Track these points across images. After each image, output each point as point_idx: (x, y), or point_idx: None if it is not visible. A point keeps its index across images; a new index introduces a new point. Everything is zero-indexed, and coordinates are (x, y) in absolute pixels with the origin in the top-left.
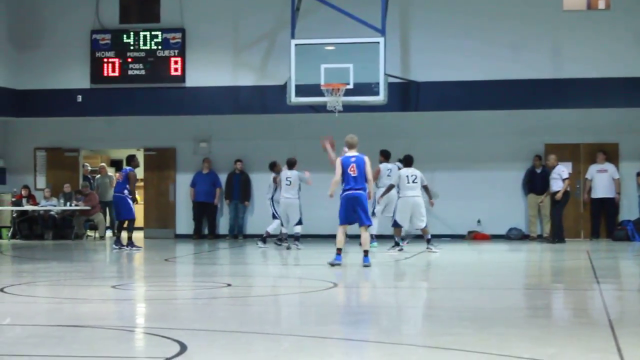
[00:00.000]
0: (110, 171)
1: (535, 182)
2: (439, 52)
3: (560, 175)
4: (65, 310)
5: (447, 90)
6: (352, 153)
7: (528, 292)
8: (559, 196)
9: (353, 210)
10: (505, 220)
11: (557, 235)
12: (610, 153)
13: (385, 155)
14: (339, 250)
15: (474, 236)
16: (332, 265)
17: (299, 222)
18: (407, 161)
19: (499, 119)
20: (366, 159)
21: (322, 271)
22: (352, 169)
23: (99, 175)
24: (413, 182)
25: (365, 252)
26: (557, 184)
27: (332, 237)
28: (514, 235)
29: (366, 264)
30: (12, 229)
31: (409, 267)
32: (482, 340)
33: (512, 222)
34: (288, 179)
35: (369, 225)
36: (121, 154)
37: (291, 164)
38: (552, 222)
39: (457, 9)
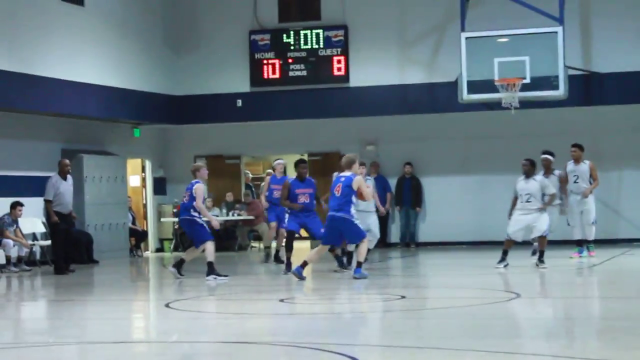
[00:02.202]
0: None
1: None
2: (623, 39)
3: None
4: (232, 326)
5: (633, 80)
6: (346, 174)
7: None
8: None
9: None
10: None
11: None
12: None
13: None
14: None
15: None
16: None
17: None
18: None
19: None
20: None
21: (502, 280)
22: (337, 189)
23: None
24: None
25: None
26: None
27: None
28: None
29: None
30: (174, 241)
31: (595, 275)
32: None
33: None
34: None
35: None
36: (284, 160)
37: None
38: None
39: None
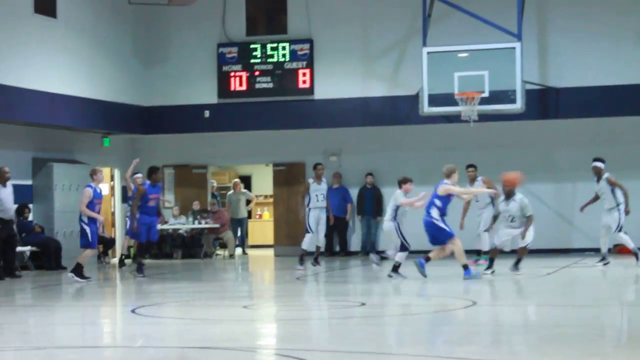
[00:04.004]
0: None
1: None
2: (579, 55)
3: None
4: (196, 332)
5: (588, 95)
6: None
7: None
8: None
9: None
10: None
11: None
12: None
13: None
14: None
15: (620, 250)
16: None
17: (401, 249)
18: None
19: None
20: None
21: (459, 288)
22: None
23: (231, 192)
24: None
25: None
26: None
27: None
28: None
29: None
30: None
31: (551, 283)
32: None
33: None
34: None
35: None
36: (249, 169)
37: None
38: None
39: (598, 8)
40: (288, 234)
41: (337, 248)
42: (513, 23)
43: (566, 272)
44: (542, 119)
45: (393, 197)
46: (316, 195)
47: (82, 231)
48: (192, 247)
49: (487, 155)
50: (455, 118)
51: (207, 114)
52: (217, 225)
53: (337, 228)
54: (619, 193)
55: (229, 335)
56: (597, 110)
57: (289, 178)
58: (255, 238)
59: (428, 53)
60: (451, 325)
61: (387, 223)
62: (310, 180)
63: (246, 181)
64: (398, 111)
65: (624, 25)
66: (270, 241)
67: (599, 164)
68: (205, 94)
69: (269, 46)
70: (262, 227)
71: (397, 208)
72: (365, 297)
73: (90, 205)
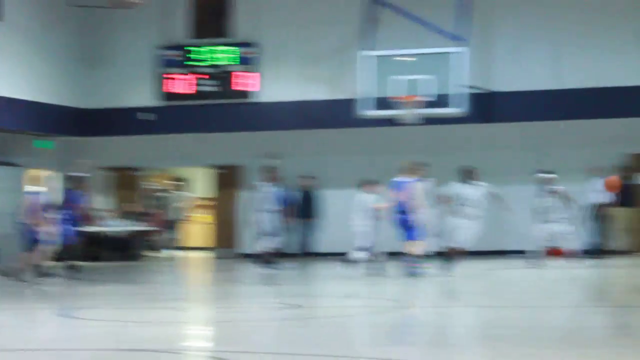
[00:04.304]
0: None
1: (625, 194)
2: (520, 60)
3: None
4: (129, 334)
5: (529, 99)
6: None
7: (606, 311)
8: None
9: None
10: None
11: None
12: None
13: None
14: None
15: (551, 251)
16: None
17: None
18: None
19: (584, 129)
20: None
21: (391, 290)
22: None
23: (168, 194)
24: None
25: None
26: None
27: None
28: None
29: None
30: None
31: (479, 284)
32: None
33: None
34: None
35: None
36: (188, 171)
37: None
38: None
39: (540, 15)
40: (227, 236)
41: None
42: (457, 27)
43: (497, 274)
44: (485, 122)
45: (359, 200)
46: (268, 197)
47: (27, 234)
48: (127, 249)
49: (428, 158)
50: (397, 121)
51: (148, 116)
52: (153, 228)
53: None
54: (571, 203)
55: (161, 337)
56: (537, 114)
57: (230, 181)
58: (194, 240)
59: (368, 57)
60: (383, 327)
61: (362, 227)
62: (262, 183)
63: (185, 183)
64: (339, 114)
65: (564, 30)
66: (208, 243)
67: (553, 177)
68: (147, 96)
69: (212, 49)
70: (200, 230)
71: (369, 210)
72: (301, 299)
73: (35, 210)
